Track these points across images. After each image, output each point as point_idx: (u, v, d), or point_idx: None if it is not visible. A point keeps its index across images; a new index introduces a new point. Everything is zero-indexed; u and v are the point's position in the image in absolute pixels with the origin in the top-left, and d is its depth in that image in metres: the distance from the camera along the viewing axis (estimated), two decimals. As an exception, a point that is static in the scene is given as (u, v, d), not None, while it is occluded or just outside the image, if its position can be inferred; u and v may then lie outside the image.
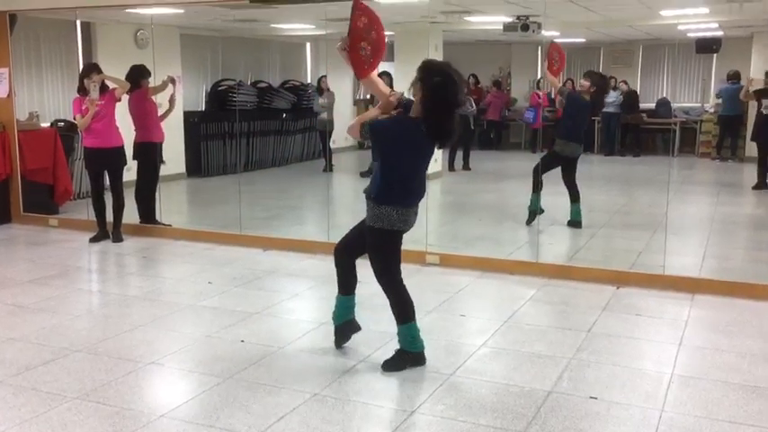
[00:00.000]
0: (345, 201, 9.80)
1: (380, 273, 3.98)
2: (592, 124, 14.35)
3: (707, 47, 11.88)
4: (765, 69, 10.44)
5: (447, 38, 11.55)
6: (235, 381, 3.84)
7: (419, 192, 3.92)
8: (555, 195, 8.14)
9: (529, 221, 7.51)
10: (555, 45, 8.03)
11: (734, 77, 12.26)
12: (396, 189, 3.80)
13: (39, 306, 5.15)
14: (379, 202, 3.81)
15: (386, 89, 4.04)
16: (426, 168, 3.94)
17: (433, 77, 3.70)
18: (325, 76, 12.13)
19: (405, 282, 4.04)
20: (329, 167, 11.59)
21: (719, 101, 12.86)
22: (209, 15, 9.27)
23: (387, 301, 4.03)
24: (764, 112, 10.02)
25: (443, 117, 3.73)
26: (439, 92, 3.67)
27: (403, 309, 3.97)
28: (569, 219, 7.58)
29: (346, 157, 13.01)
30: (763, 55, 12.74)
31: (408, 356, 3.98)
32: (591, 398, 3.64)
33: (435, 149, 3.93)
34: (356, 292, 4.17)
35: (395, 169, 3.81)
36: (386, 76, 11.67)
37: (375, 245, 3.95)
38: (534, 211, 7.48)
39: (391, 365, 3.96)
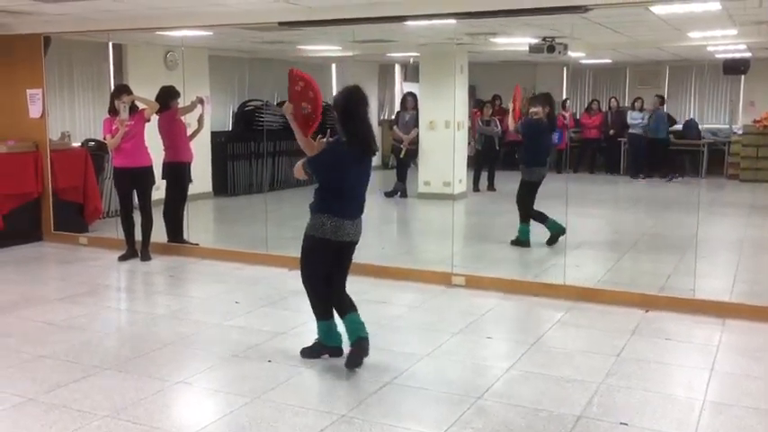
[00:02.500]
0: (370, 220, 9.79)
1: (303, 276, 4.41)
2: (618, 146, 14.32)
3: (735, 68, 11.80)
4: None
5: (472, 59, 11.60)
6: (262, 401, 3.85)
7: (353, 206, 4.30)
8: (579, 216, 8.11)
9: (521, 244, 7.70)
10: (518, 88, 8.27)
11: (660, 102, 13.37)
12: (329, 201, 4.25)
13: (69, 324, 5.21)
14: (314, 211, 4.31)
15: (313, 144, 4.54)
16: (361, 184, 4.35)
17: (336, 98, 4.31)
18: None
19: (431, 302, 4.09)
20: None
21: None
22: (237, 37, 9.40)
23: (411, 323, 4.06)
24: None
25: (354, 125, 4.20)
26: (341, 105, 4.23)
27: (316, 308, 4.44)
28: (514, 238, 7.74)
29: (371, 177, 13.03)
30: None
31: (324, 348, 4.47)
32: (621, 423, 3.60)
33: (368, 166, 4.38)
34: (358, 313, 4.43)
35: (329, 185, 4.26)
36: (411, 97, 11.76)
37: (305, 249, 4.35)
38: (526, 241, 7.60)
39: (307, 353, 4.48)
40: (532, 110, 7.64)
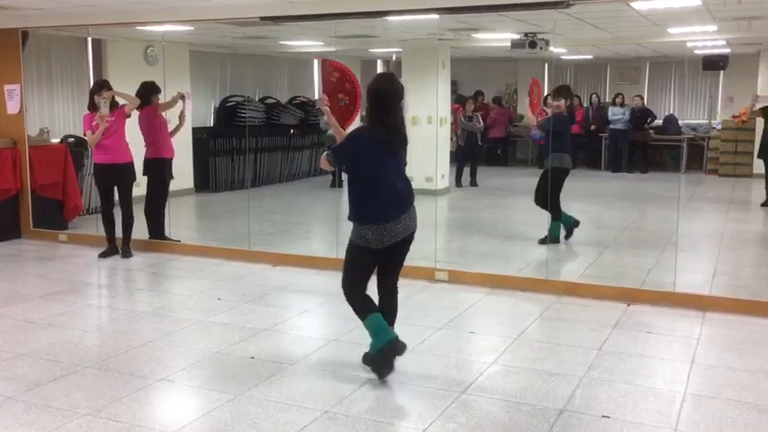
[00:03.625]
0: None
1: (343, 280, 4.17)
2: (599, 141, 14.42)
3: (714, 64, 11.91)
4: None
5: (454, 54, 11.60)
6: (245, 398, 3.83)
7: (390, 205, 3.98)
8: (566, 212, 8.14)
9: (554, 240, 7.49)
10: (535, 80, 8.15)
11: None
12: (364, 207, 3.99)
13: (49, 322, 5.15)
14: (355, 223, 4.05)
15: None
16: (392, 176, 4.01)
17: (369, 84, 4.07)
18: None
19: (414, 297, 4.11)
20: (338, 183, 11.62)
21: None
22: (218, 32, 9.33)
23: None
24: (772, 128, 10.00)
25: (382, 113, 3.95)
26: (373, 91, 4.00)
27: (356, 307, 4.14)
28: (547, 236, 7.50)
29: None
30: (771, 72, 12.77)
31: (385, 346, 4.10)
32: (603, 417, 3.62)
33: (397, 157, 4.05)
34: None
35: (357, 180, 4.00)
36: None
37: (348, 257, 4.14)
38: (556, 237, 7.48)
39: (369, 360, 4.19)
40: (555, 103, 7.54)
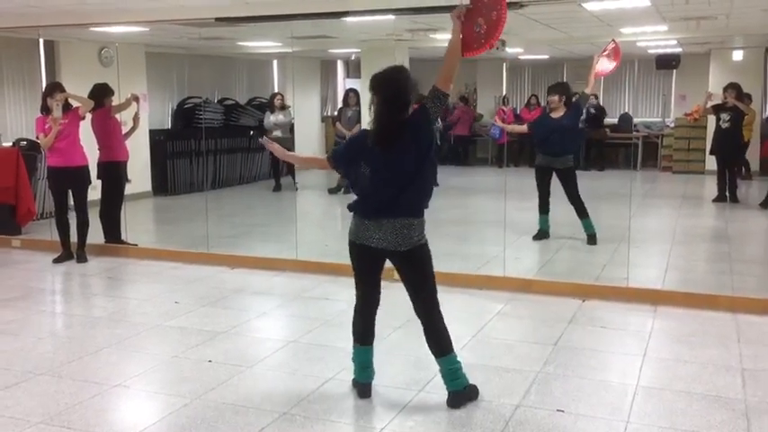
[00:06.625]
0: (313, 218, 9.79)
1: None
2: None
3: (667, 63, 12.18)
4: (722, 85, 10.69)
5: (413, 55, 11.66)
6: (202, 402, 3.81)
7: (373, 205, 3.63)
8: (519, 210, 8.26)
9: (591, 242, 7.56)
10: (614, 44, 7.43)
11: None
12: (358, 201, 3.73)
13: (0, 329, 5.04)
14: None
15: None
16: (385, 179, 3.58)
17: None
18: (279, 94, 12.07)
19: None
20: (278, 186, 11.58)
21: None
22: (174, 34, 9.24)
23: (352, 319, 3.99)
24: (723, 126, 10.27)
25: (375, 109, 3.62)
26: (371, 85, 3.69)
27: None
28: (587, 234, 7.60)
29: (313, 175, 13.01)
30: (720, 70, 13.10)
31: (355, 383, 3.94)
32: (558, 411, 3.68)
33: (392, 157, 3.57)
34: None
35: (355, 185, 3.75)
36: (353, 93, 11.75)
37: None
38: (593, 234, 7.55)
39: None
40: (550, 98, 7.56)
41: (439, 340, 3.78)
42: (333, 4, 6.39)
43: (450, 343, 3.79)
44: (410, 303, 3.87)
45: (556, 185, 7.71)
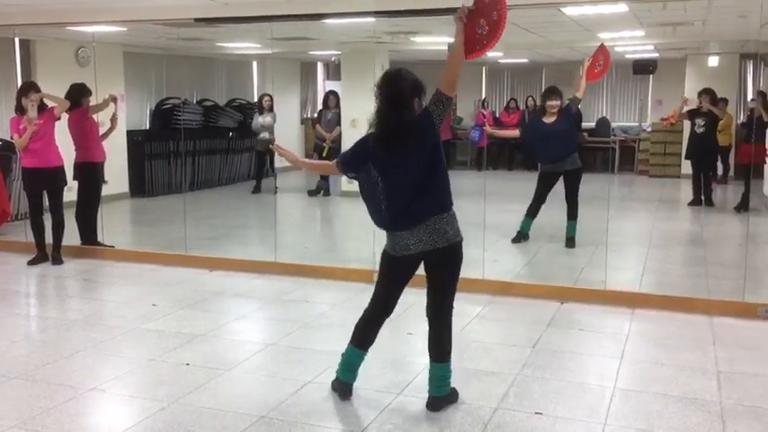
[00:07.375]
0: (293, 220, 9.76)
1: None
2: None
3: (643, 68, 12.28)
4: (698, 90, 10.82)
5: (393, 57, 11.66)
6: (179, 405, 3.77)
7: (389, 215, 3.58)
8: (498, 213, 8.28)
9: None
10: (604, 48, 7.51)
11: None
12: (376, 214, 3.65)
13: (-27, 332, 4.97)
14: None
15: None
16: (395, 185, 3.53)
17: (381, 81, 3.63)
18: (268, 95, 12.02)
19: (353, 300, 4.02)
20: (258, 188, 11.53)
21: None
22: (153, 34, 9.16)
23: (333, 321, 3.98)
24: (698, 131, 10.39)
25: (377, 112, 3.57)
26: (376, 88, 3.60)
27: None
28: (567, 237, 7.68)
29: (293, 177, 12.97)
30: (696, 76, 13.26)
31: (335, 382, 3.93)
32: (536, 413, 3.70)
33: (400, 162, 3.51)
34: (446, 364, 3.83)
35: (369, 198, 3.65)
36: (333, 95, 11.73)
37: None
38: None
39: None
40: (549, 103, 7.49)
41: (441, 346, 3.78)
42: (310, 6, 6.38)
43: (450, 352, 3.80)
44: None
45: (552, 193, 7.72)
